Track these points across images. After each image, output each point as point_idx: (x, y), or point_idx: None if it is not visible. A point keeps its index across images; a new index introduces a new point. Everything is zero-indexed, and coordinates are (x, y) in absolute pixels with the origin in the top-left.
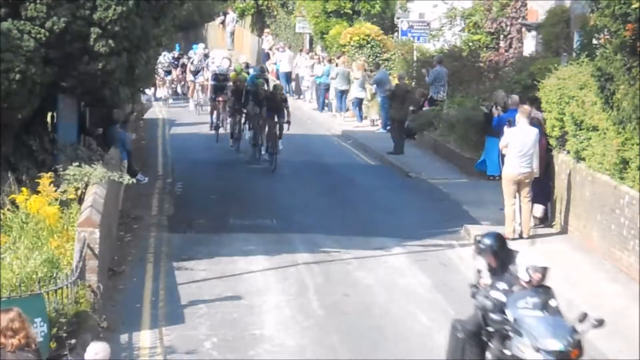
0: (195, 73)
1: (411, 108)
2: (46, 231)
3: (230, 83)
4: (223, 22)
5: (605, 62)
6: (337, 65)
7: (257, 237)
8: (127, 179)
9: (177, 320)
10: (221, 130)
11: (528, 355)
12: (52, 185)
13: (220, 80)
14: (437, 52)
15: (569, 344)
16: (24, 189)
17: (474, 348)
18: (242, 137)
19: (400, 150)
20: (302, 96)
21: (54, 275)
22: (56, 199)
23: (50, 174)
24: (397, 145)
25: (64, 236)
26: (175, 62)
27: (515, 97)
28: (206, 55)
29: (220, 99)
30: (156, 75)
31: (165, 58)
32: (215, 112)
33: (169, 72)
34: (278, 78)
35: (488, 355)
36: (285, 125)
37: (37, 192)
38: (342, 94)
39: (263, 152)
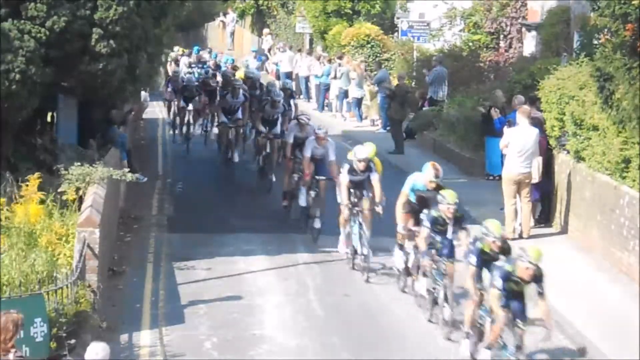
0: (189, 97)
1: (411, 114)
2: (34, 231)
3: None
4: (223, 22)
5: (605, 61)
6: (339, 65)
7: (257, 237)
8: (129, 175)
9: (177, 320)
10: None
11: None
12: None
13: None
14: (437, 52)
15: None
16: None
17: None
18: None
19: (401, 150)
20: (302, 96)
21: (54, 275)
22: (42, 201)
23: (37, 174)
24: (397, 145)
25: (58, 233)
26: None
27: (521, 98)
28: (199, 62)
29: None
30: (174, 100)
31: (187, 71)
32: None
33: (192, 97)
34: (278, 78)
35: None
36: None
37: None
38: (346, 93)
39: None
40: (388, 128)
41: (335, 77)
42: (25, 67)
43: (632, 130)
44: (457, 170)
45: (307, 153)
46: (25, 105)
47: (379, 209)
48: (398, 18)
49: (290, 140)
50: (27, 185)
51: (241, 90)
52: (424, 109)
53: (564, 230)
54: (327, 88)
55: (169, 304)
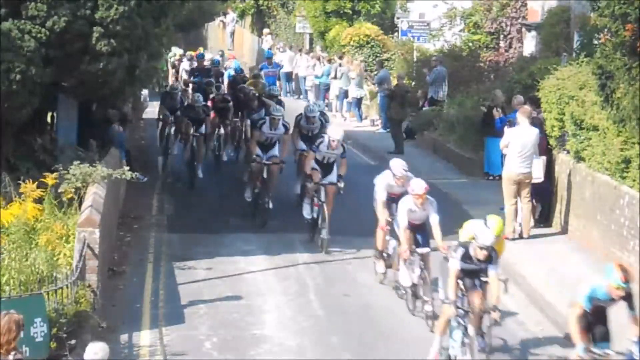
0: (193, 119)
1: (411, 115)
2: (34, 228)
3: None
4: (223, 22)
5: (606, 60)
6: (340, 65)
7: (257, 237)
8: (128, 174)
9: (177, 320)
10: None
11: None
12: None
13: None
14: (437, 52)
15: None
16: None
17: None
18: None
19: (401, 150)
20: (302, 96)
21: (54, 275)
22: (37, 199)
23: (55, 174)
24: (397, 145)
25: (58, 233)
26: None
27: (521, 98)
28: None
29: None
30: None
31: (185, 78)
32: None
33: (199, 121)
34: (279, 78)
35: None
36: None
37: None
38: (346, 93)
39: None
40: (388, 130)
41: (335, 77)
42: (26, 67)
43: (632, 130)
44: (457, 170)
45: (404, 220)
46: (25, 105)
47: (495, 315)
48: (398, 18)
49: (383, 197)
50: (44, 180)
51: (281, 120)
52: (424, 109)
53: (564, 230)
54: (327, 88)
55: (169, 304)
